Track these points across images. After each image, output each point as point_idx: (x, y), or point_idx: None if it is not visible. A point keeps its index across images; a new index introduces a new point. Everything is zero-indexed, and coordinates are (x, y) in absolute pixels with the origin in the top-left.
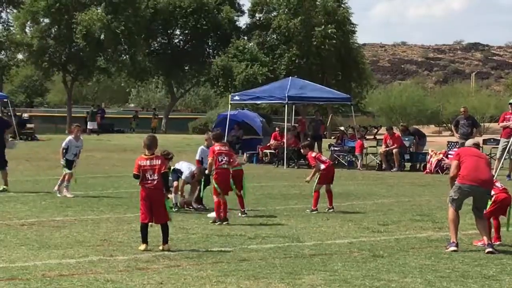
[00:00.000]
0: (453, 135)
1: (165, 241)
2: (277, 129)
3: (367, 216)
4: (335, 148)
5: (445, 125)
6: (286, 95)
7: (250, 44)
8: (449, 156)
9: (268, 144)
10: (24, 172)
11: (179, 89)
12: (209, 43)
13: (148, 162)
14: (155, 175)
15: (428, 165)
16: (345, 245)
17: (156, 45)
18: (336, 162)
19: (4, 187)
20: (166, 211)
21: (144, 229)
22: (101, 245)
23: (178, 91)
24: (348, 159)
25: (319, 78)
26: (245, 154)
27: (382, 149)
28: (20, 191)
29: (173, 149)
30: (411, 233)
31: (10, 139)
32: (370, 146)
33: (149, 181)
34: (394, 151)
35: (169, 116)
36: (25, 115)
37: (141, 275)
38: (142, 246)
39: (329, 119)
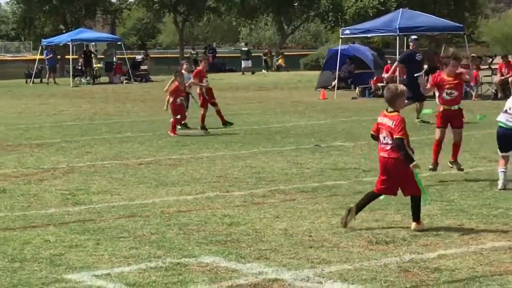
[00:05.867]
0: None
1: (415, 218)
2: (389, 62)
3: (483, 145)
4: None
5: None
6: (397, 26)
7: None
8: None
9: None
10: (140, 113)
11: (289, 26)
12: None
13: (384, 120)
14: (389, 138)
15: None
16: (461, 175)
17: None
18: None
19: None
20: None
21: (370, 198)
22: (217, 181)
23: (288, 28)
24: (463, 89)
25: (431, 9)
26: (357, 88)
27: (497, 78)
28: (136, 132)
29: (285, 86)
30: None
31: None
32: (485, 76)
33: (382, 146)
34: (510, 79)
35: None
36: (138, 57)
37: (257, 209)
38: (353, 208)
39: (443, 50)
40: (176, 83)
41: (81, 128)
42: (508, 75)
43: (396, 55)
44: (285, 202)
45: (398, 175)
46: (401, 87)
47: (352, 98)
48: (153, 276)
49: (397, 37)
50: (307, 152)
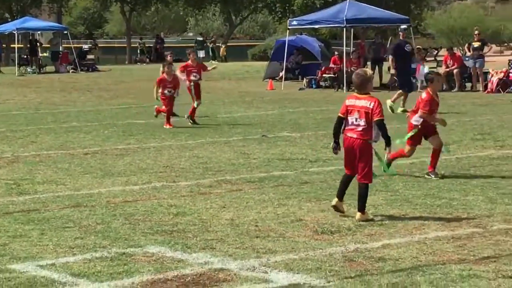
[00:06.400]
0: None
1: (360, 208)
2: (336, 53)
3: None
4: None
5: (506, 44)
6: (344, 18)
7: None
8: (510, 75)
9: (330, 67)
10: (86, 102)
11: (237, 16)
12: None
13: (356, 102)
14: (362, 120)
15: (489, 85)
16: (406, 165)
17: None
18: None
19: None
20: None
21: (344, 182)
22: (164, 171)
23: (236, 19)
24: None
25: (378, 0)
26: (304, 79)
27: (442, 70)
28: (83, 121)
29: (233, 77)
30: (472, 152)
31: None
32: (431, 67)
33: (352, 127)
34: (454, 71)
35: (228, 44)
36: (85, 46)
37: (204, 199)
38: (334, 201)
39: (389, 42)
40: (164, 74)
41: (26, 117)
42: (453, 67)
43: (343, 46)
44: (232, 192)
45: (361, 157)
46: (369, 71)
47: (300, 89)
48: (98, 266)
49: (344, 29)
50: (254, 142)
